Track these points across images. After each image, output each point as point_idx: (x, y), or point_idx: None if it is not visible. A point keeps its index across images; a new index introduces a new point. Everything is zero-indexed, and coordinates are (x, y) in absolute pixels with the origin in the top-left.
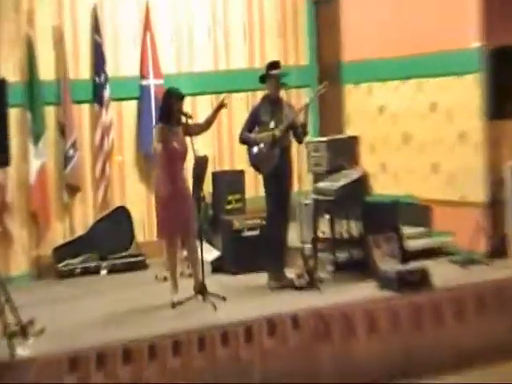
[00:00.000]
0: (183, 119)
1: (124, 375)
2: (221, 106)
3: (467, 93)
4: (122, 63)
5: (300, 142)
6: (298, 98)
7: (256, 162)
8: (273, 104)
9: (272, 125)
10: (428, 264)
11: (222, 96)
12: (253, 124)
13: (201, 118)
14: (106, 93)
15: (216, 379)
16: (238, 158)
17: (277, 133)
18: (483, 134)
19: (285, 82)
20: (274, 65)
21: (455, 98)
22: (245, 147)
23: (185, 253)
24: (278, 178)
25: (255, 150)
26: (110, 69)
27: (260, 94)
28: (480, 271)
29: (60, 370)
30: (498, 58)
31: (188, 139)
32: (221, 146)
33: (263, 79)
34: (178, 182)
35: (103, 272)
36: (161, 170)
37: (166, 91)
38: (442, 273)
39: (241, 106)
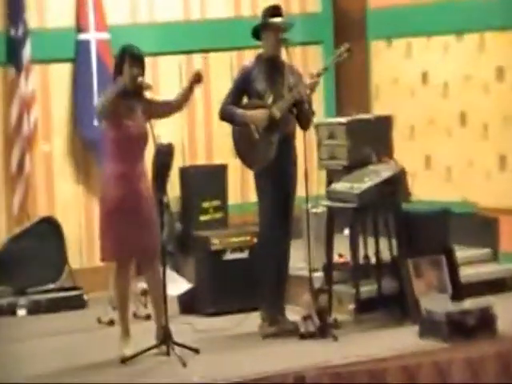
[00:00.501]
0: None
1: None
2: (196, 79)
3: None
4: (50, 10)
5: (306, 126)
6: (304, 61)
7: (245, 152)
8: (271, 68)
9: (269, 99)
10: (492, 301)
11: (198, 58)
12: (241, 92)
13: (165, 87)
14: (27, 51)
15: None
16: (218, 148)
17: (276, 112)
18: None
19: (287, 38)
20: (274, 11)
21: None
22: (228, 130)
23: (141, 284)
24: (276, 176)
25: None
26: (33, 18)
27: (249, 55)
28: None
29: None
30: None
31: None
32: (193, 131)
33: (258, 32)
34: (132, 179)
35: (21, 312)
36: (109, 162)
37: (118, 50)
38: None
39: (222, 73)
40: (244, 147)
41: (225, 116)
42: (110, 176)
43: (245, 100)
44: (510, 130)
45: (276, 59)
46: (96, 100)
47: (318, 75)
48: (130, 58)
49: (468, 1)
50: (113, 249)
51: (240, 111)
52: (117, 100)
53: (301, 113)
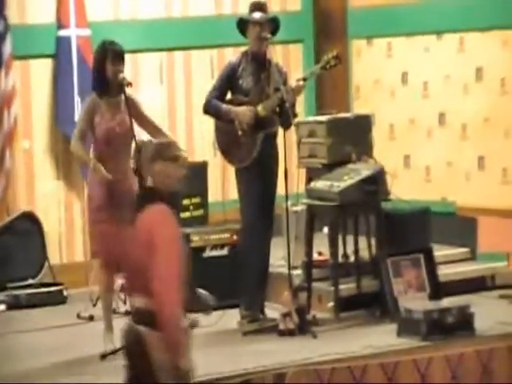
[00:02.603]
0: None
1: None
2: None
3: None
4: (31, 6)
5: (287, 127)
6: (285, 60)
7: (227, 148)
8: (256, 64)
9: (253, 96)
10: (471, 300)
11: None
12: (226, 87)
13: (146, 85)
14: (7, 47)
15: None
16: (198, 145)
17: (262, 110)
18: None
19: (269, 36)
20: (258, 6)
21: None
22: (210, 126)
23: (120, 281)
24: (259, 173)
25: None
26: (13, 14)
27: (231, 53)
28: None
29: None
30: None
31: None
32: (173, 128)
33: (243, 27)
34: (118, 176)
35: (0, 307)
36: (94, 159)
37: (98, 45)
38: (490, 313)
39: (203, 70)
40: (227, 143)
41: (209, 110)
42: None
43: (228, 95)
44: (492, 131)
45: (261, 56)
46: (77, 97)
47: (304, 80)
48: (112, 55)
49: (448, 1)
50: (100, 246)
51: (225, 106)
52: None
53: (283, 114)
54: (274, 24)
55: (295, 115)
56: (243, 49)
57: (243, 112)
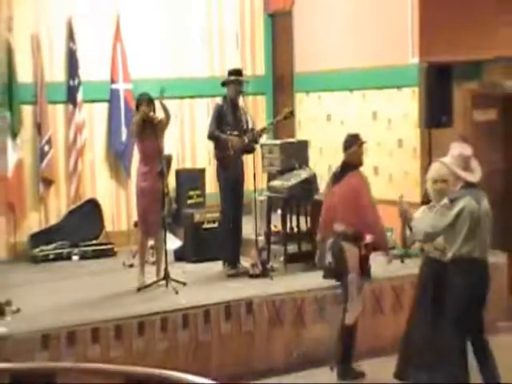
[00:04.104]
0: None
1: (92, 354)
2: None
3: (406, 104)
4: (94, 68)
5: (252, 152)
6: (254, 105)
7: (221, 160)
8: (233, 108)
9: (233, 128)
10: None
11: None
12: (217, 121)
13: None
14: (79, 95)
15: (177, 358)
16: (200, 159)
17: (245, 141)
18: (419, 141)
19: (243, 90)
20: (235, 71)
21: (395, 108)
22: (205, 149)
23: (150, 242)
24: (232, 175)
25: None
26: (83, 73)
27: (219, 99)
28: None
29: (33, 346)
30: (433, 74)
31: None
32: (184, 148)
33: (226, 84)
34: (150, 176)
35: (75, 258)
36: (139, 165)
37: (137, 96)
38: (382, 264)
39: (202, 111)
40: (222, 157)
41: (212, 138)
42: (139, 173)
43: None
44: (381, 151)
45: (235, 101)
46: (123, 128)
47: (270, 125)
48: (144, 101)
49: (355, 70)
50: (140, 220)
51: (224, 136)
52: (137, 126)
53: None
54: (244, 82)
55: (255, 147)
56: (224, 96)
57: (235, 141)
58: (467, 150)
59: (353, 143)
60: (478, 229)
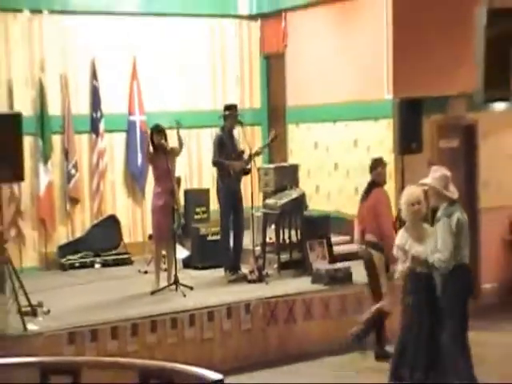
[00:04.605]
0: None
1: (112, 348)
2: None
3: (382, 133)
4: (114, 103)
5: (247, 174)
6: (252, 134)
7: (223, 181)
8: (230, 137)
9: (231, 153)
10: (351, 264)
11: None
12: (219, 148)
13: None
14: (101, 125)
15: (184, 352)
16: (205, 180)
17: (244, 165)
18: (394, 165)
19: (241, 121)
20: (231, 106)
21: (373, 136)
22: (210, 172)
23: (163, 252)
24: (231, 194)
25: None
26: (105, 107)
27: (219, 130)
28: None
29: (61, 342)
30: (405, 107)
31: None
32: (191, 171)
33: (224, 117)
34: (164, 195)
35: (97, 266)
36: (154, 185)
37: (151, 127)
38: (360, 272)
39: (207, 139)
40: (224, 179)
41: (216, 164)
42: (154, 192)
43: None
44: (361, 173)
45: (232, 132)
46: (139, 154)
47: (261, 148)
48: (156, 131)
49: (337, 103)
50: (155, 233)
51: (227, 162)
52: (151, 154)
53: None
54: (238, 115)
55: (250, 170)
56: (222, 127)
57: (236, 165)
58: (447, 172)
59: (378, 165)
60: (466, 238)
